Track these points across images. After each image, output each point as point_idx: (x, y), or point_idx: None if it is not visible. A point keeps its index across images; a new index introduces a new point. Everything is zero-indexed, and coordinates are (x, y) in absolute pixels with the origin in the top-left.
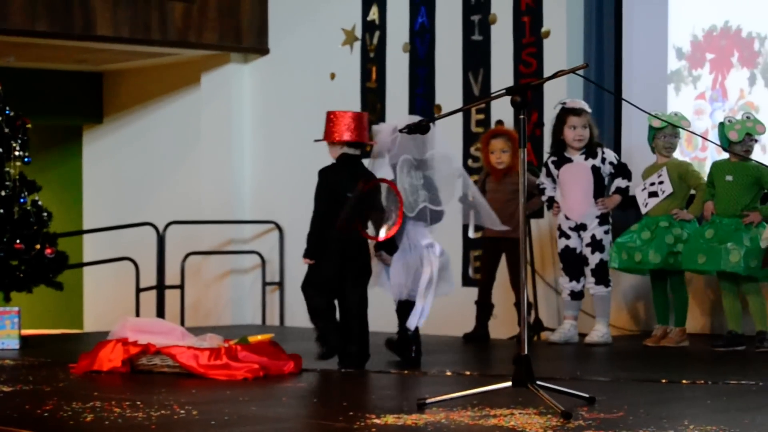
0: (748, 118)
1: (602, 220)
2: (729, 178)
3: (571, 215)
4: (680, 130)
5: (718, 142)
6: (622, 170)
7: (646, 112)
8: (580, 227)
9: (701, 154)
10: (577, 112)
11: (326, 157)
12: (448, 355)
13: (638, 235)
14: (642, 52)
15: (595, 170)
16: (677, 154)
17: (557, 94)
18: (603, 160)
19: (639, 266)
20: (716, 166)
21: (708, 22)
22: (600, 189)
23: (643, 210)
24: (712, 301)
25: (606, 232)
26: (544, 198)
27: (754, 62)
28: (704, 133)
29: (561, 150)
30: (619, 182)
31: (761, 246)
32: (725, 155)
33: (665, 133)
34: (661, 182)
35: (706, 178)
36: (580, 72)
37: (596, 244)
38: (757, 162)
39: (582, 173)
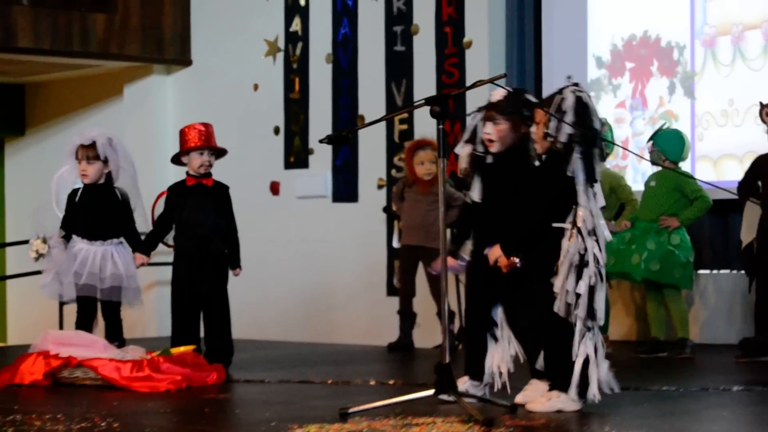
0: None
1: None
2: (652, 183)
3: None
4: (609, 138)
5: (636, 151)
6: None
7: (563, 121)
8: None
9: (622, 162)
10: None
11: (248, 168)
12: (372, 364)
13: None
14: (562, 61)
15: None
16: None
17: (480, 104)
18: None
19: None
20: (649, 176)
21: (627, 31)
22: None
23: None
24: (638, 308)
25: None
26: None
27: (674, 71)
28: (624, 142)
29: None
30: None
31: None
32: (646, 164)
33: None
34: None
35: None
36: (501, 82)
37: None
38: (672, 169)
39: None
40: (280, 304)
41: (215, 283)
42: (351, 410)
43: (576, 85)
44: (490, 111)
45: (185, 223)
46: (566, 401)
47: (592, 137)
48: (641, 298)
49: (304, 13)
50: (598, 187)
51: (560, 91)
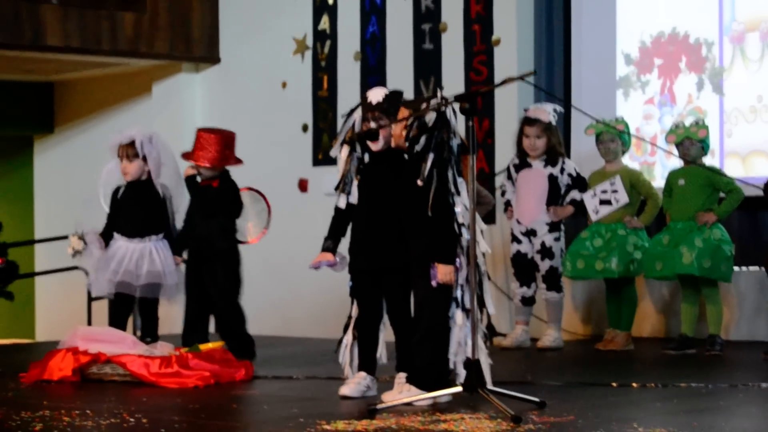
0: (697, 123)
1: (552, 227)
2: (681, 182)
3: (522, 220)
4: (626, 136)
5: (665, 147)
6: (579, 183)
7: (593, 117)
8: (531, 233)
9: (650, 158)
10: (531, 121)
11: (276, 165)
12: None
13: (590, 242)
14: (591, 58)
15: (552, 179)
16: (627, 160)
17: (508, 102)
18: (562, 170)
19: (600, 275)
20: (671, 174)
21: (656, 28)
22: (555, 198)
23: (594, 217)
24: (666, 305)
25: (556, 239)
26: (503, 199)
27: (702, 67)
28: (653, 139)
29: (524, 156)
30: (575, 194)
31: None
32: (675, 161)
33: (602, 139)
34: (614, 191)
35: (655, 185)
36: (530, 79)
37: (546, 251)
38: (701, 165)
39: (538, 180)
40: (309, 300)
41: (217, 283)
42: (379, 406)
43: (444, 98)
44: (374, 112)
45: (192, 223)
46: (417, 394)
47: (446, 148)
48: (669, 294)
49: (332, 11)
50: (618, 184)
51: (428, 101)
